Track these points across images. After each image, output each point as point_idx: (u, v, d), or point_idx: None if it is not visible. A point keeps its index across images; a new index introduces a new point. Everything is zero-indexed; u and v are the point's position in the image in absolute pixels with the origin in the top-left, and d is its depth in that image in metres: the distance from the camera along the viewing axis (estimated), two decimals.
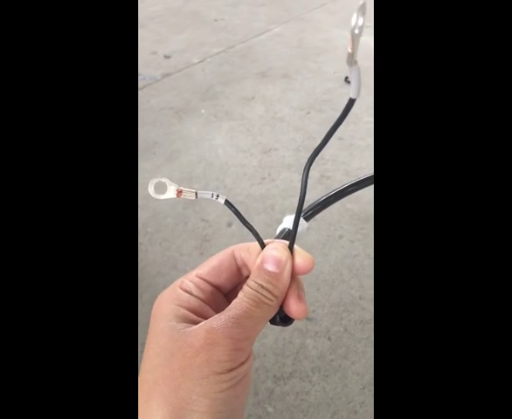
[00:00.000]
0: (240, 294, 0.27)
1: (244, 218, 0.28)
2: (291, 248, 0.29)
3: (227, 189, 1.66)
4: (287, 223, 0.41)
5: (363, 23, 0.21)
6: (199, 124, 2.02)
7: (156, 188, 0.26)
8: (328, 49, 2.68)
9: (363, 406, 1.00)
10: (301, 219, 0.42)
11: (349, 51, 0.21)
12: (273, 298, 0.26)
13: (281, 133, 1.96)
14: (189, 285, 0.28)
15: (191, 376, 0.24)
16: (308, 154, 0.27)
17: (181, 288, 0.28)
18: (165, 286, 0.28)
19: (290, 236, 0.30)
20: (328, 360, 1.09)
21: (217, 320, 0.25)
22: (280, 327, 1.18)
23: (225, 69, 2.51)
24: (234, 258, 0.29)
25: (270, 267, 0.27)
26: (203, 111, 2.12)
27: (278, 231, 0.40)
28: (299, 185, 0.40)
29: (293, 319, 0.28)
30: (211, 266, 0.29)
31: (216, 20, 3.22)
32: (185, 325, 0.26)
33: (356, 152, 1.85)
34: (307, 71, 2.47)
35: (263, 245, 0.29)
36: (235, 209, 0.28)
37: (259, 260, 0.27)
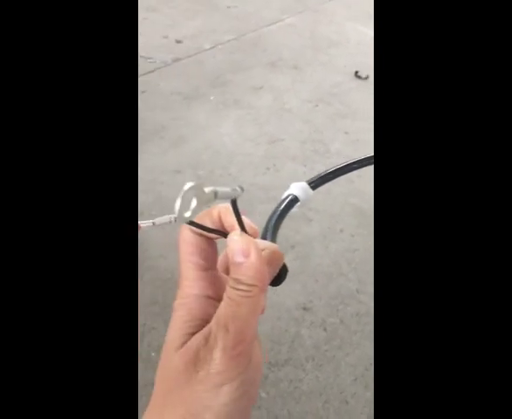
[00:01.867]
0: (224, 296, 0.26)
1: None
2: (245, 230, 0.28)
3: (232, 178, 1.68)
4: (294, 189, 0.42)
5: (196, 206, 0.22)
6: (207, 111, 2.03)
7: None
8: (340, 42, 2.66)
9: (354, 397, 1.02)
10: (308, 187, 0.43)
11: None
12: (252, 288, 0.25)
13: (288, 125, 1.96)
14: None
15: (195, 389, 0.25)
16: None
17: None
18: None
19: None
20: (322, 351, 1.11)
21: (208, 332, 0.26)
22: (276, 316, 1.20)
23: (236, 57, 2.50)
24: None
25: (239, 259, 0.26)
26: (211, 98, 2.13)
27: (283, 197, 0.42)
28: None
29: (281, 280, 0.30)
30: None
31: (228, 7, 3.20)
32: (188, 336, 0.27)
33: (360, 146, 1.85)
34: (317, 63, 2.46)
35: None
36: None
37: (229, 256, 0.27)
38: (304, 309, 1.21)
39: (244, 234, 0.28)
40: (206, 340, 0.26)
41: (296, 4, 3.24)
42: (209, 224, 0.29)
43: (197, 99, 2.12)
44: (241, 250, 0.26)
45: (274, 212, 0.40)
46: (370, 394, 1.02)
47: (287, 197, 0.41)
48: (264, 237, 0.34)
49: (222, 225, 0.29)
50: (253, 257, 0.26)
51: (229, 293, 0.26)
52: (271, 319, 1.18)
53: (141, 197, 1.66)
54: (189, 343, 0.27)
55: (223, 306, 0.26)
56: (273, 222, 0.38)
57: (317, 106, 2.10)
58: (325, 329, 1.16)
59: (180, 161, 1.78)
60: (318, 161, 1.74)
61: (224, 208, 0.29)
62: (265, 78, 2.30)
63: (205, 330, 0.26)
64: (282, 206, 0.41)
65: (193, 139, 1.88)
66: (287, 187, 0.44)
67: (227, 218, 0.29)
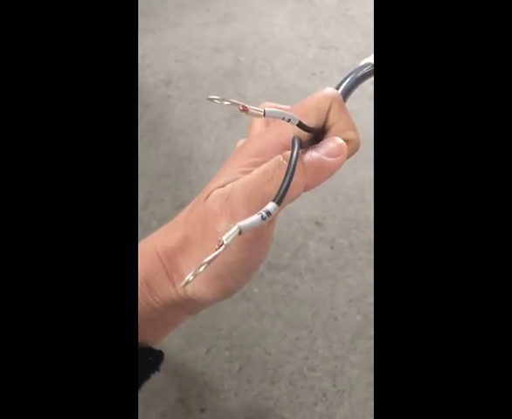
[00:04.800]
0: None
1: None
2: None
3: (274, 73, 1.55)
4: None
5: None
6: None
7: None
8: None
9: (344, 316, 1.00)
10: None
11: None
12: (303, 176, 0.27)
13: (347, 34, 1.76)
14: None
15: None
16: None
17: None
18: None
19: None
20: (324, 266, 1.08)
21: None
22: (286, 222, 1.16)
23: None
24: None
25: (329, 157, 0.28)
26: None
27: (362, 63, 0.38)
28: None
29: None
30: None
31: None
32: None
33: None
34: None
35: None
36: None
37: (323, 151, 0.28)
38: (316, 223, 1.17)
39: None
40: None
41: None
42: (313, 119, 0.28)
43: None
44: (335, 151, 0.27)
45: (349, 75, 0.36)
46: (359, 318, 1.00)
47: (365, 65, 0.37)
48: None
49: (326, 119, 0.28)
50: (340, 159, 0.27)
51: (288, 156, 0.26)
52: (279, 224, 1.14)
53: (172, 66, 1.55)
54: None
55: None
56: (346, 84, 0.36)
57: None
58: (332, 247, 1.12)
59: (222, 40, 1.64)
60: (369, 81, 1.58)
61: (339, 102, 0.28)
62: None
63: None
64: (361, 72, 0.38)
65: (241, 20, 1.71)
66: None
67: (335, 115, 0.28)
